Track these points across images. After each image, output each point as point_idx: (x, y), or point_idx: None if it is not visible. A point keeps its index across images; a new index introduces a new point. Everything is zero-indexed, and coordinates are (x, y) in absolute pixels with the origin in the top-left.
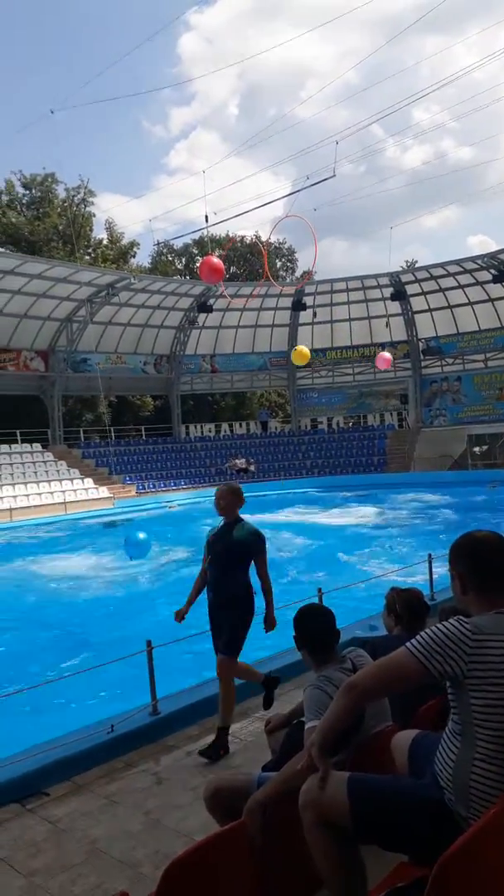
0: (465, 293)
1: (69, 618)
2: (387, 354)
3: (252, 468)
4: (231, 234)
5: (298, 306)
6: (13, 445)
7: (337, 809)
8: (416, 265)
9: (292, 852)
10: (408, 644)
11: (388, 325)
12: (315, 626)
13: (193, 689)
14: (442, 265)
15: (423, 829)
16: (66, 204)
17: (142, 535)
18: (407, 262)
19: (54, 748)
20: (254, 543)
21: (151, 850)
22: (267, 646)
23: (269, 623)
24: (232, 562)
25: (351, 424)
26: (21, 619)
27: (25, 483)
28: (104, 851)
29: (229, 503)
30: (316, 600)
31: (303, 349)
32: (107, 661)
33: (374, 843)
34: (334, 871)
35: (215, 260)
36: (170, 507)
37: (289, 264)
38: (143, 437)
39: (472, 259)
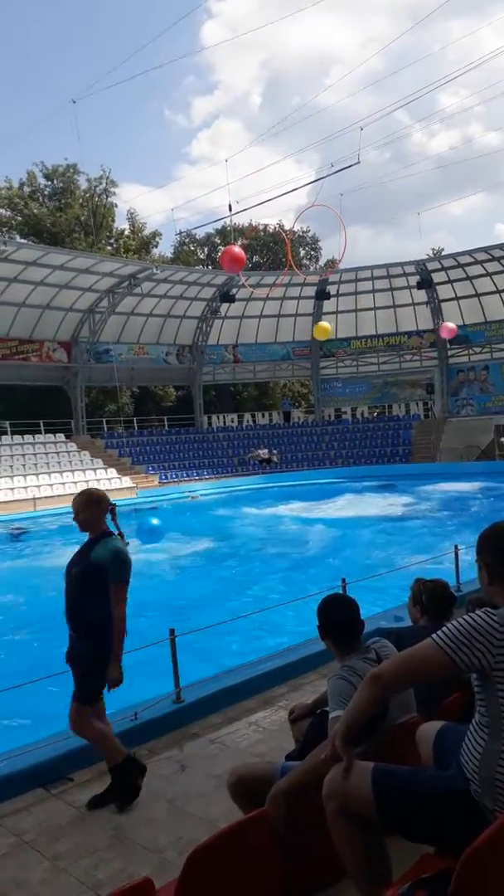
0: (492, 281)
1: None
2: (451, 325)
3: (275, 458)
4: (254, 223)
5: (322, 295)
6: (37, 436)
7: (361, 800)
8: (443, 253)
9: (316, 841)
10: (434, 636)
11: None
12: (339, 615)
13: (216, 678)
14: (469, 252)
15: (448, 820)
16: (87, 195)
17: (155, 521)
18: (433, 249)
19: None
20: (111, 566)
21: (175, 837)
22: (291, 632)
23: (113, 677)
24: (88, 586)
25: (376, 414)
26: (45, 606)
27: (49, 473)
28: (128, 837)
29: (88, 517)
30: (340, 591)
31: (324, 324)
32: (130, 648)
33: (398, 834)
34: (358, 861)
35: (237, 249)
36: (192, 497)
37: (312, 253)
38: (166, 427)
39: (500, 246)
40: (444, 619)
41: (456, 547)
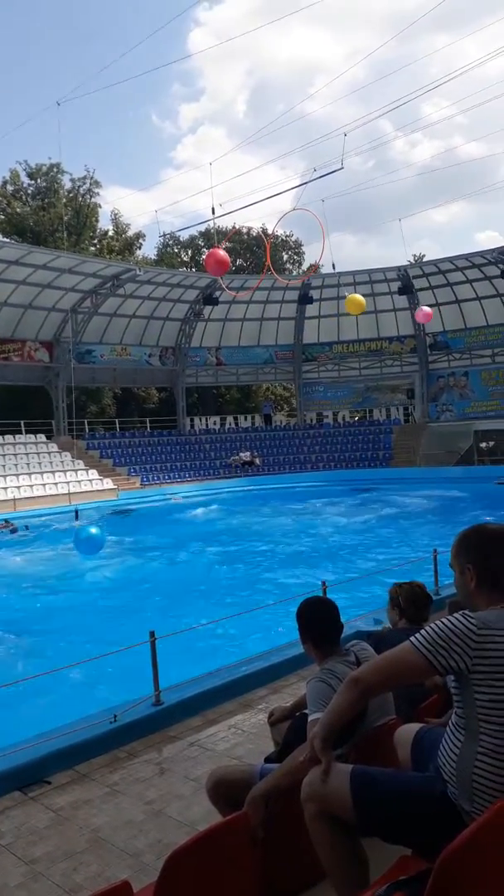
0: (473, 288)
1: (70, 607)
2: (427, 308)
3: (257, 461)
4: (236, 226)
5: (305, 299)
6: (18, 436)
7: (339, 802)
8: (424, 259)
9: (294, 843)
10: (412, 639)
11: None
12: (318, 618)
13: (196, 680)
14: (450, 259)
15: (426, 822)
16: (71, 195)
17: (94, 531)
18: (415, 256)
19: (57, 737)
20: None
21: (153, 840)
22: (276, 637)
23: None
24: None
25: (357, 419)
26: (22, 608)
27: (30, 474)
28: (106, 840)
29: None
30: (320, 593)
31: (357, 297)
32: (109, 651)
33: (376, 836)
34: (336, 862)
35: (221, 252)
36: (174, 500)
37: (296, 257)
38: (148, 429)
39: (481, 254)
40: (421, 619)
41: (435, 550)
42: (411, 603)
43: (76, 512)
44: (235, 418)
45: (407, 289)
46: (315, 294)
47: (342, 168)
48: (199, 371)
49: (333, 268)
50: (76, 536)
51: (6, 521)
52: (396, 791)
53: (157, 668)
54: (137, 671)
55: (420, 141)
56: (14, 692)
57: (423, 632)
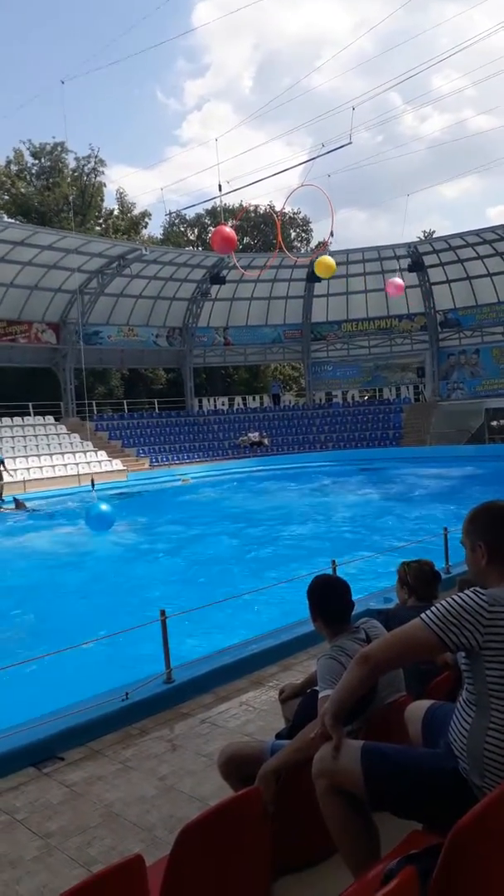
0: (483, 264)
1: (81, 587)
2: (398, 280)
3: (266, 442)
4: (245, 204)
5: (313, 278)
6: (26, 418)
7: (350, 778)
8: (434, 236)
9: (305, 818)
10: (423, 616)
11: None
12: (329, 596)
13: (207, 658)
14: (460, 235)
15: (437, 797)
16: (76, 174)
17: (104, 507)
18: (425, 232)
19: (70, 714)
20: None
21: (166, 815)
22: (287, 611)
23: None
24: None
25: (366, 398)
26: (33, 587)
27: (39, 455)
28: (119, 815)
29: None
30: (330, 572)
31: (327, 259)
32: (120, 629)
33: (387, 811)
34: (347, 837)
35: (228, 229)
36: (183, 481)
37: (304, 235)
38: (156, 410)
39: (492, 229)
40: (430, 598)
41: (445, 529)
42: (420, 581)
43: (92, 481)
44: (244, 398)
45: (417, 266)
46: None
47: (350, 143)
48: (206, 351)
49: (331, 233)
50: (87, 513)
51: (16, 500)
52: (407, 766)
53: (168, 646)
54: (148, 649)
55: (430, 115)
56: (27, 671)
57: (433, 608)
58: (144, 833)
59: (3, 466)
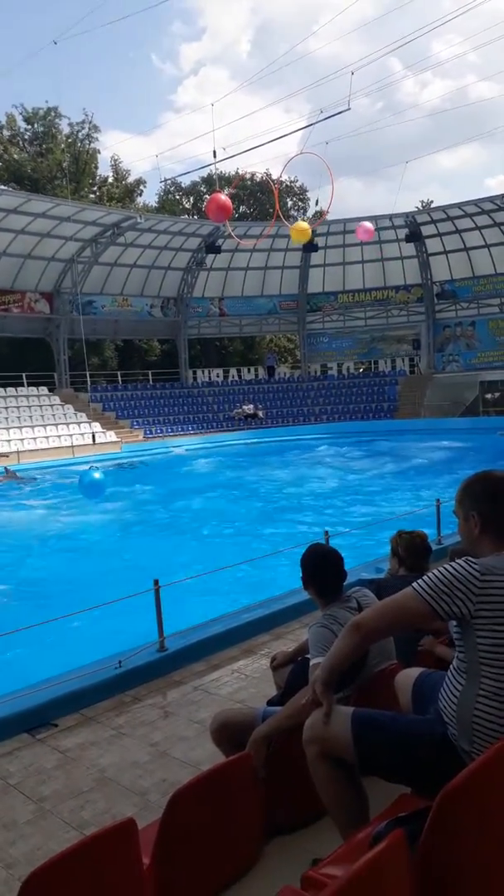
0: (481, 235)
1: (75, 556)
2: (369, 224)
3: (260, 414)
4: (241, 172)
5: (310, 247)
6: (19, 388)
7: (340, 744)
8: (433, 206)
9: (296, 783)
10: (414, 585)
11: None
12: (322, 565)
13: (199, 627)
14: (458, 206)
15: (426, 762)
16: (69, 140)
17: (97, 475)
18: (422, 202)
19: (63, 682)
20: None
21: (158, 779)
22: (280, 585)
23: None
24: None
25: (361, 370)
26: (28, 558)
27: (32, 426)
28: (112, 780)
29: None
30: (322, 542)
31: (302, 224)
32: (115, 598)
33: (376, 775)
34: (337, 801)
35: (223, 197)
36: (176, 452)
37: (300, 203)
38: (150, 381)
39: (491, 199)
40: (419, 569)
41: (438, 500)
42: (409, 552)
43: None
44: (238, 370)
45: (414, 236)
46: (320, 242)
47: (349, 109)
48: (201, 322)
49: (317, 203)
50: (80, 480)
51: (7, 469)
52: (397, 732)
53: (161, 615)
54: (142, 619)
55: (430, 81)
56: (21, 639)
57: (425, 577)
58: (137, 797)
59: None
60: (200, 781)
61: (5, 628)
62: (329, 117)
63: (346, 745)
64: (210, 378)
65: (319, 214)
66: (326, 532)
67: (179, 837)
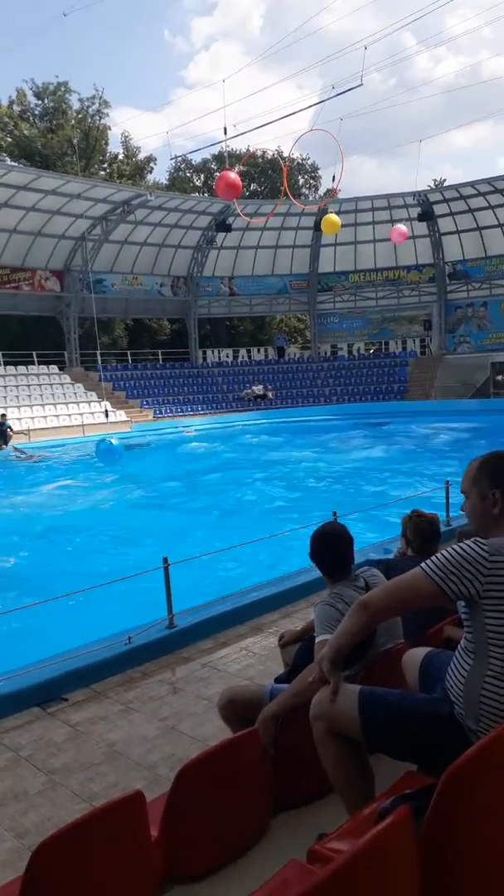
0: (494, 214)
1: (85, 534)
2: (403, 227)
3: (270, 395)
4: (252, 149)
5: (320, 226)
6: (30, 367)
7: (347, 721)
8: (445, 184)
9: (303, 759)
10: (423, 565)
11: None
12: (331, 545)
13: (209, 605)
14: (471, 184)
15: (432, 740)
16: (80, 115)
17: (114, 441)
18: (435, 181)
19: (74, 657)
20: None
21: (167, 754)
22: (288, 564)
23: None
24: None
25: (372, 351)
26: (39, 535)
27: (43, 405)
28: (121, 754)
29: None
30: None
31: (332, 217)
32: (125, 576)
33: (383, 753)
34: (344, 777)
35: (232, 175)
36: (186, 432)
37: (312, 181)
38: (160, 361)
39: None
40: (426, 552)
41: (447, 482)
42: (416, 535)
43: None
44: (248, 350)
45: (427, 215)
46: None
47: (361, 84)
48: (211, 302)
49: (333, 180)
50: (97, 447)
51: (17, 448)
52: (404, 710)
53: (170, 593)
54: (151, 596)
55: (444, 57)
56: (32, 614)
57: (434, 558)
58: (146, 771)
59: (11, 430)
60: (208, 756)
61: (17, 604)
62: (341, 93)
63: (353, 723)
64: (220, 358)
65: (331, 193)
66: (335, 513)
67: (187, 810)
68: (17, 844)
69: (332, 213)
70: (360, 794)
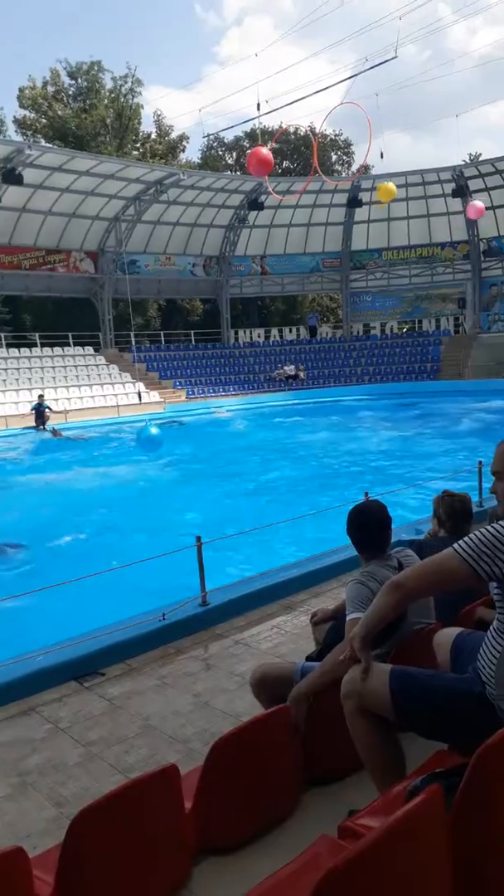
0: None
1: (121, 512)
2: (479, 203)
3: (302, 375)
4: (284, 126)
5: (354, 203)
6: (66, 349)
7: (378, 699)
8: (480, 158)
9: (333, 736)
10: (455, 546)
11: None
12: (365, 523)
13: (241, 583)
14: None
15: (463, 720)
16: (113, 95)
17: (154, 430)
18: (470, 155)
19: (110, 633)
20: None
21: (200, 728)
22: (326, 538)
23: None
24: None
25: (405, 330)
26: (78, 512)
27: (79, 386)
28: (156, 727)
29: None
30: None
31: (389, 185)
32: (158, 553)
33: (413, 731)
34: (374, 755)
35: (264, 151)
36: (218, 413)
37: (345, 158)
38: (193, 342)
39: None
40: (458, 532)
41: (480, 462)
42: (448, 515)
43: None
44: (280, 330)
45: (461, 190)
46: (365, 197)
47: (395, 57)
48: (243, 281)
49: (381, 157)
50: (138, 436)
51: (54, 429)
52: (435, 689)
53: (203, 571)
54: (185, 574)
55: (480, 28)
56: (69, 590)
57: (466, 539)
58: (180, 745)
59: (50, 410)
60: (241, 731)
61: (56, 580)
62: (374, 66)
63: (384, 701)
64: (251, 339)
65: (366, 169)
66: (367, 493)
67: (220, 784)
68: (56, 813)
69: (387, 181)
70: (391, 771)
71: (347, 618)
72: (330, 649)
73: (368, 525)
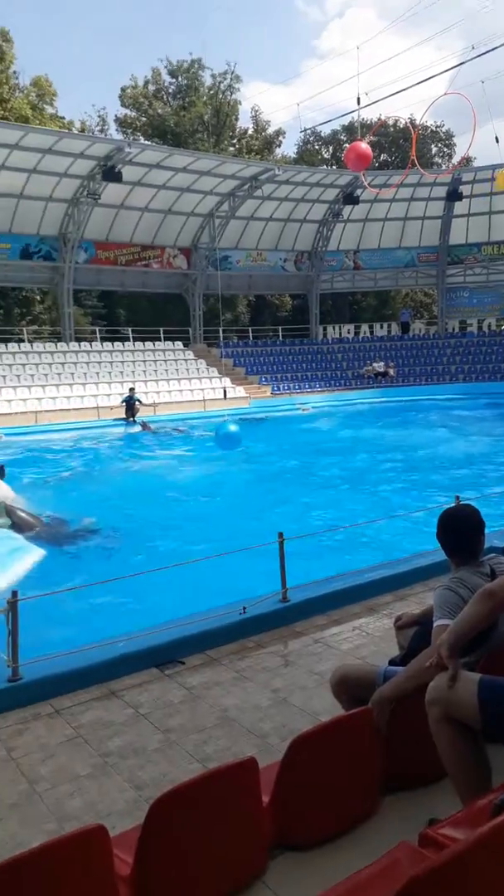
0: None
1: (206, 506)
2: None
3: (392, 372)
4: (382, 118)
5: (454, 196)
6: (157, 343)
7: (465, 708)
8: None
9: (417, 741)
10: None
11: None
12: (455, 528)
13: (322, 582)
14: None
15: None
16: (211, 92)
17: (233, 428)
18: None
19: (191, 623)
20: None
21: (278, 724)
22: (406, 543)
23: None
24: None
25: (503, 328)
26: (160, 506)
27: (168, 380)
28: (234, 720)
29: None
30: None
31: None
32: (241, 548)
33: (501, 744)
34: (458, 764)
35: (363, 145)
36: (303, 410)
37: (445, 150)
38: (280, 337)
39: None
40: None
41: None
42: None
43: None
44: (370, 326)
45: None
46: (465, 190)
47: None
48: (334, 276)
49: (497, 141)
50: (217, 432)
51: (143, 423)
52: None
53: (284, 567)
54: (266, 569)
55: None
56: (151, 580)
57: None
58: (257, 739)
59: (140, 403)
60: (322, 730)
61: (141, 568)
62: (481, 55)
63: (472, 710)
64: (340, 335)
65: (468, 161)
66: (457, 497)
67: (299, 780)
68: (135, 795)
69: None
70: (475, 782)
71: (435, 624)
72: (415, 654)
73: (460, 529)
